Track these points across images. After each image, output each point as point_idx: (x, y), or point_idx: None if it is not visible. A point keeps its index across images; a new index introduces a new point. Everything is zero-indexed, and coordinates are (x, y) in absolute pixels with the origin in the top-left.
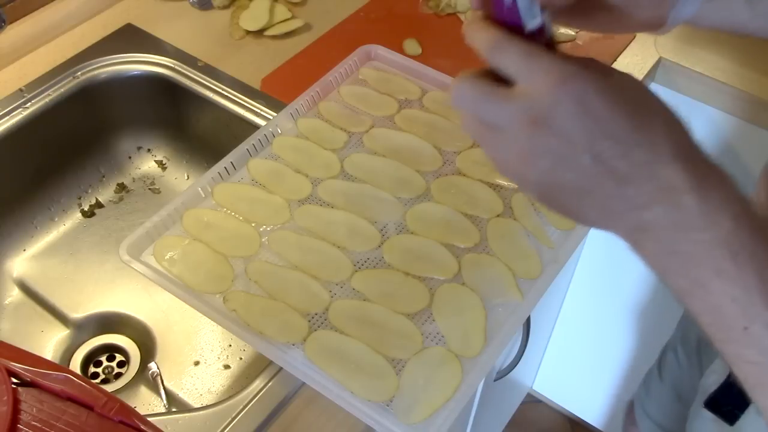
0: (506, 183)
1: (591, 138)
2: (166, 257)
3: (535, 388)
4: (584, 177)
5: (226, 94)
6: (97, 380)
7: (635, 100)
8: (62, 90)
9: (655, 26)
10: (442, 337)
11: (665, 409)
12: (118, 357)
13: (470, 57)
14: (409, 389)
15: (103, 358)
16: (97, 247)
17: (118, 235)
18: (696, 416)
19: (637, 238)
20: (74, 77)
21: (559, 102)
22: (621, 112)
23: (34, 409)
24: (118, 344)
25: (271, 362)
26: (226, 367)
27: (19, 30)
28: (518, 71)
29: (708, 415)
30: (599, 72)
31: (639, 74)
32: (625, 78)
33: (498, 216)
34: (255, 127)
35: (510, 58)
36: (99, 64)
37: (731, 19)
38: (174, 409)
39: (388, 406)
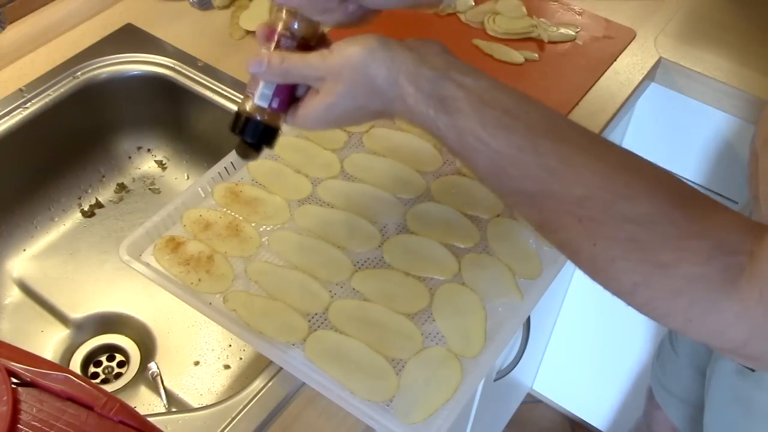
0: None
1: (364, 92)
2: (166, 257)
3: (535, 388)
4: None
5: (226, 94)
6: (97, 380)
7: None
8: (62, 90)
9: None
10: (442, 337)
11: (685, 382)
12: (118, 357)
13: (470, 58)
14: (409, 389)
15: (103, 358)
16: (97, 247)
17: (118, 235)
18: (714, 373)
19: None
20: (74, 77)
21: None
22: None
23: (34, 409)
24: (118, 344)
25: (271, 362)
26: (226, 367)
27: (19, 30)
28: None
29: (728, 367)
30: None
31: (639, 74)
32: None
33: (498, 216)
34: None
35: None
36: (99, 64)
37: None
38: (174, 409)
39: (388, 406)
